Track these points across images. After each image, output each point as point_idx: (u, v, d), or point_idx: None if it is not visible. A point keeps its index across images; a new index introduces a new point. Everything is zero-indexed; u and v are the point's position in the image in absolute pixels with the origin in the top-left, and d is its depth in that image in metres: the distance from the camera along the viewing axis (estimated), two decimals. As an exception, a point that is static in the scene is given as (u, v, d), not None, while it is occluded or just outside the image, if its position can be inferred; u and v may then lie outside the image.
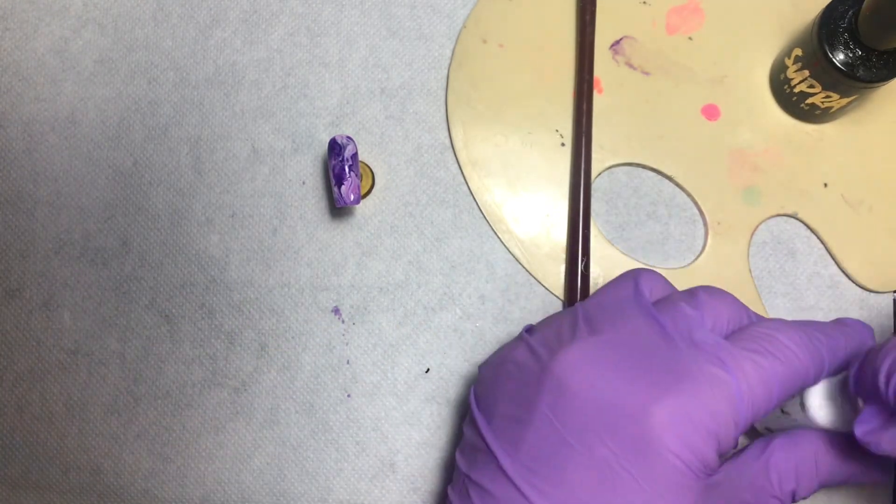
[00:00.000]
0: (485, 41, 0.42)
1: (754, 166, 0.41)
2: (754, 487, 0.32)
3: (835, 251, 0.40)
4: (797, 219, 0.41)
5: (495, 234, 0.40)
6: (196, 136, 0.41)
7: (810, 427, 0.33)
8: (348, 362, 0.39)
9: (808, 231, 0.41)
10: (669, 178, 0.41)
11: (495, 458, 0.30)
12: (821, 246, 0.41)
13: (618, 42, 0.42)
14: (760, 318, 0.32)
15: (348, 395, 0.39)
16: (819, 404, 0.33)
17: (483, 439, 0.31)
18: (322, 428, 0.39)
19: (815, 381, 0.31)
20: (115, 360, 0.39)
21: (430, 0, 0.42)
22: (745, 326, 0.31)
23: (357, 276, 0.40)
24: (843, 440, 0.32)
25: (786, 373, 0.29)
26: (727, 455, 0.31)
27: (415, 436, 0.39)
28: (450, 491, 0.33)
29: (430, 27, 0.42)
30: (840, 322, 0.33)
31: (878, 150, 0.41)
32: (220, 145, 0.41)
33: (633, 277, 0.33)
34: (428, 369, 0.39)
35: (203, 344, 0.39)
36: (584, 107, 0.41)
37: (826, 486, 0.32)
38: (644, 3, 0.42)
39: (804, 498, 0.32)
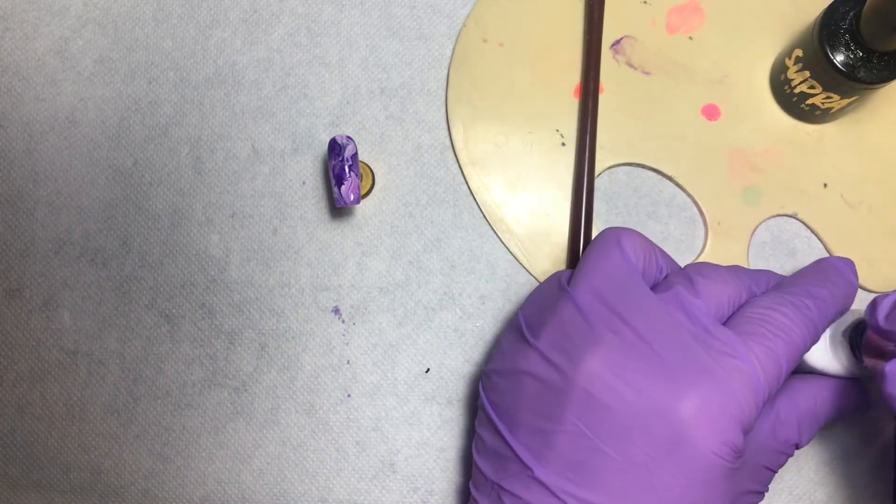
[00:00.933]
0: (485, 40, 0.42)
1: (754, 166, 0.41)
2: (766, 450, 0.33)
3: (834, 251, 0.40)
4: (797, 219, 0.41)
5: (495, 234, 0.40)
6: (196, 136, 0.41)
7: (805, 370, 0.35)
8: (348, 362, 0.39)
9: (808, 231, 0.41)
10: (669, 178, 0.41)
11: (527, 467, 0.31)
12: (821, 246, 0.41)
13: (618, 42, 0.42)
14: (756, 278, 0.34)
15: (348, 395, 0.39)
16: (813, 349, 0.34)
17: (511, 448, 0.32)
18: (322, 428, 0.39)
19: (810, 346, 0.33)
20: (115, 360, 0.39)
21: (430, 0, 0.42)
22: (741, 308, 0.32)
23: (357, 276, 0.40)
24: (835, 382, 0.35)
25: (788, 349, 0.31)
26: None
27: (415, 436, 0.39)
28: (477, 495, 0.33)
29: (430, 27, 0.42)
30: (823, 270, 0.35)
31: (879, 150, 0.41)
32: (220, 145, 0.41)
33: (617, 248, 0.33)
34: (428, 369, 0.39)
35: (203, 344, 0.39)
36: (591, 106, 0.40)
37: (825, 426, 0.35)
38: (644, 2, 0.42)
39: (806, 445, 0.34)
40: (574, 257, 0.39)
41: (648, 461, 0.29)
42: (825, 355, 0.34)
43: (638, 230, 0.40)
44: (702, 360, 0.30)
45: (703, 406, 0.29)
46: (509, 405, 0.33)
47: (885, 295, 0.31)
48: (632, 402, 0.30)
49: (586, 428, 0.30)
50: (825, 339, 0.34)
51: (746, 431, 0.30)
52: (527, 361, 0.32)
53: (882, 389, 0.30)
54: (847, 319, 0.34)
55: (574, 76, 0.42)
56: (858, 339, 0.33)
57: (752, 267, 0.40)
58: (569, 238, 0.40)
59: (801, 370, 0.35)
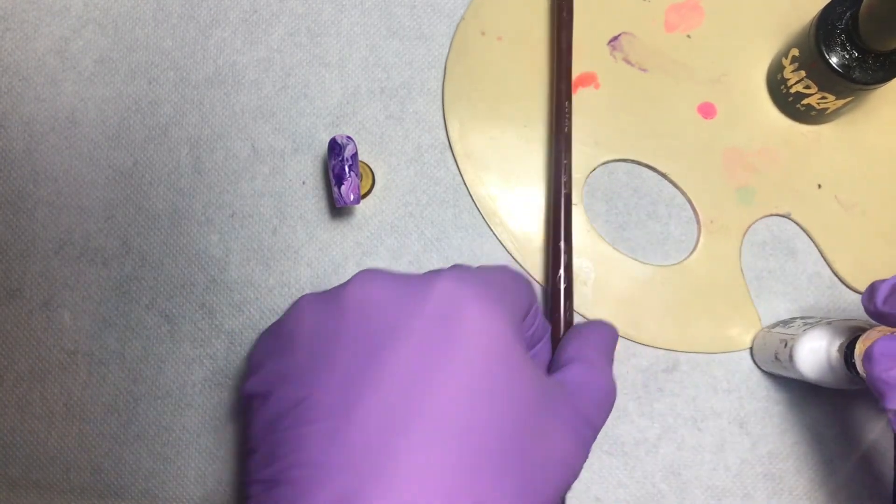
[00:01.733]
0: (483, 33, 0.42)
1: (749, 166, 0.41)
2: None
3: (826, 252, 0.40)
4: (790, 219, 0.41)
5: (489, 227, 0.40)
6: (196, 136, 0.41)
7: (794, 376, 0.35)
8: (349, 361, 0.39)
9: (805, 231, 0.41)
10: (664, 175, 0.41)
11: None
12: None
13: (616, 38, 0.42)
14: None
15: (349, 394, 0.39)
16: (804, 357, 0.34)
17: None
18: (323, 427, 0.39)
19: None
20: (115, 360, 0.39)
21: (429, 0, 0.42)
22: None
23: (357, 276, 0.40)
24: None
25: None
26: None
27: (415, 434, 0.39)
28: None
29: (430, 27, 0.42)
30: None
31: (874, 152, 0.41)
32: (220, 145, 0.41)
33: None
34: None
35: (203, 344, 0.39)
36: (565, 102, 0.40)
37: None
38: None
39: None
40: (556, 262, 0.39)
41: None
42: (822, 369, 0.34)
43: (635, 230, 0.40)
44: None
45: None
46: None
47: (882, 280, 0.30)
48: None
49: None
50: (822, 353, 0.34)
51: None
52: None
53: (866, 371, 0.29)
54: (843, 335, 0.34)
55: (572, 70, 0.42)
56: (852, 354, 0.33)
57: (752, 267, 0.40)
58: (544, 245, 0.40)
59: (794, 376, 0.36)
